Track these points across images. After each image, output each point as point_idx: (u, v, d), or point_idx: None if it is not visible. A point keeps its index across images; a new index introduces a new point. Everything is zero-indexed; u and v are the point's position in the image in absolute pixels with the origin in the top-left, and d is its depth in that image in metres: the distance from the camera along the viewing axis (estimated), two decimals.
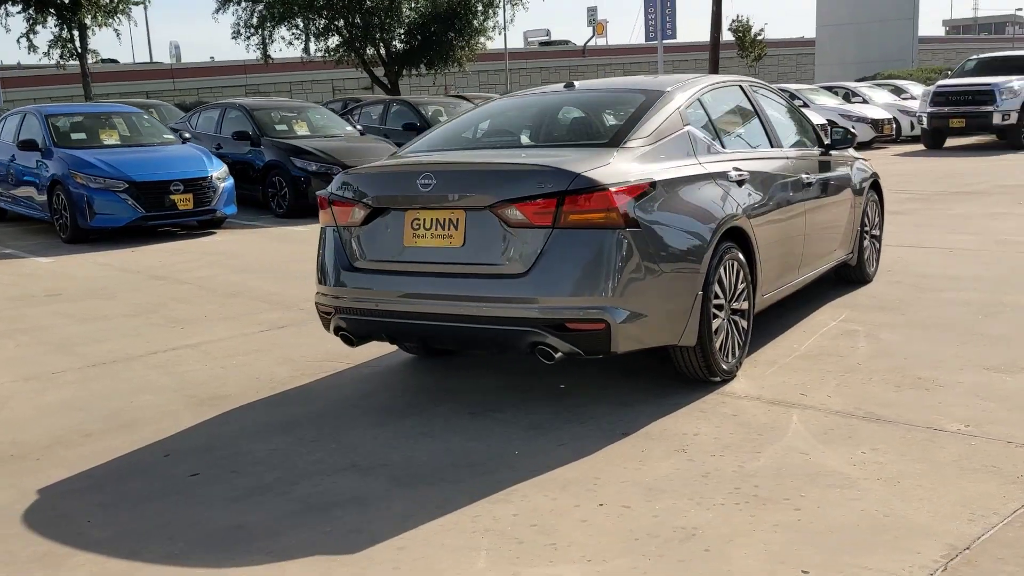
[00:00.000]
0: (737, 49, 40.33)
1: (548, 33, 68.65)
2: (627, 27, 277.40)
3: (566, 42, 63.14)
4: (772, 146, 5.43)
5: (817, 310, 6.05)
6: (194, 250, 10.11)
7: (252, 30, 26.91)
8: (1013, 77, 19.60)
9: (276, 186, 12.61)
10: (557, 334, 3.90)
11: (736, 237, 4.57)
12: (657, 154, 4.33)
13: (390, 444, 4.04)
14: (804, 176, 5.50)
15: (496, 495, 3.39)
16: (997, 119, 19.09)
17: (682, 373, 4.51)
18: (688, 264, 4.21)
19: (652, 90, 4.83)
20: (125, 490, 3.70)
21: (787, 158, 5.45)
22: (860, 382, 4.51)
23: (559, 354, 3.96)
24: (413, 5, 27.18)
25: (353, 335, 4.49)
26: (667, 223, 4.14)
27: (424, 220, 4.18)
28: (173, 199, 10.66)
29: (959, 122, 19.62)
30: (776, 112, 5.73)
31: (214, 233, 11.39)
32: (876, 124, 22.13)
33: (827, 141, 6.08)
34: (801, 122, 6.07)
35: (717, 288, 4.39)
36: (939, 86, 20.26)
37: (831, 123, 18.50)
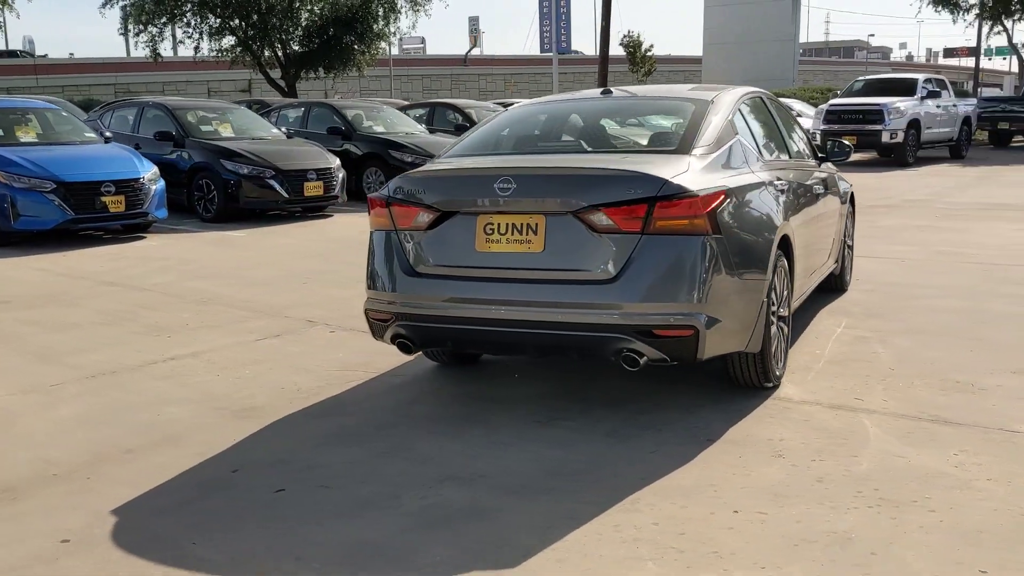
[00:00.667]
0: (628, 64, 41.20)
1: (423, 41, 68.74)
2: (518, 38, 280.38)
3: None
4: (790, 157, 5.55)
5: (815, 317, 6.21)
6: (132, 255, 9.61)
7: (142, 26, 25.79)
8: (898, 98, 20.73)
9: (204, 189, 12.13)
10: (645, 340, 3.87)
11: (781, 245, 4.65)
12: (719, 162, 4.36)
13: (470, 454, 3.93)
14: (816, 186, 5.65)
15: (621, 504, 3.33)
16: (886, 137, 20.12)
17: (735, 379, 4.54)
18: (757, 271, 4.26)
19: (699, 99, 4.86)
20: (211, 507, 3.47)
21: (803, 168, 5.60)
22: (904, 387, 4.64)
23: (644, 360, 3.93)
24: (312, 7, 26.63)
25: (414, 343, 4.34)
26: (740, 230, 4.18)
27: (499, 225, 4.09)
28: (104, 201, 10.11)
29: (851, 139, 20.59)
30: (784, 124, 5.87)
31: (144, 237, 10.86)
32: None
33: (820, 154, 6.27)
34: (801, 134, 6.24)
35: (773, 295, 4.45)
36: (831, 105, 21.25)
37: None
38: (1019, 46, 31.84)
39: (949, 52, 78.58)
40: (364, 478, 3.70)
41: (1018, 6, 30.24)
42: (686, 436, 4.02)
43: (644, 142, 4.85)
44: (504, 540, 3.09)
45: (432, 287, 4.21)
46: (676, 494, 3.41)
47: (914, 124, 20.46)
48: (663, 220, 3.87)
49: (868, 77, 23.00)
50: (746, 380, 4.52)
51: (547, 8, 45.17)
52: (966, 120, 22.86)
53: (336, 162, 12.81)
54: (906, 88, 21.62)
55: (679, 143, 4.43)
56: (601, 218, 3.90)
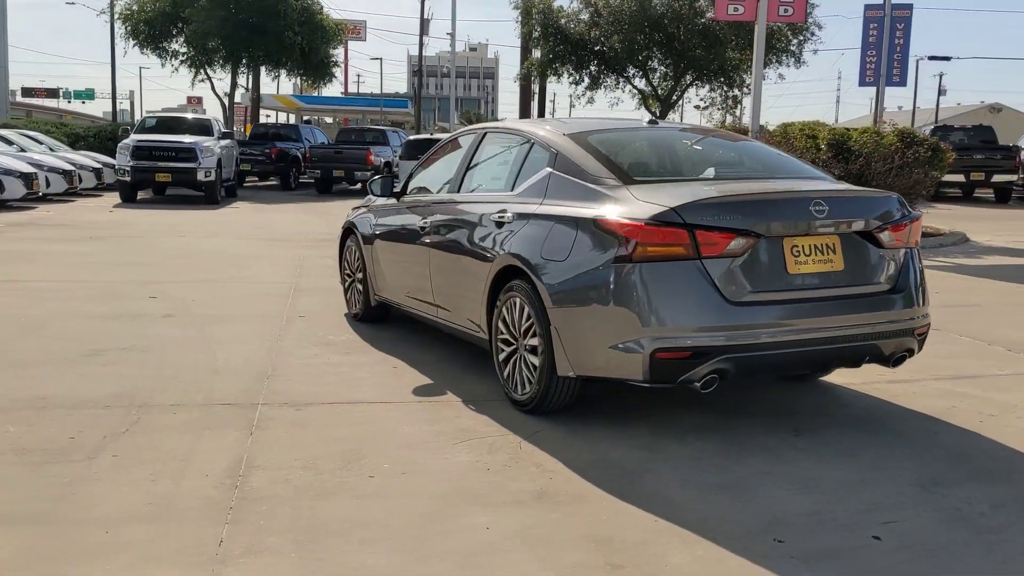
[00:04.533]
0: None
1: None
2: None
3: None
4: None
5: None
6: None
7: None
8: (203, 137, 21.26)
9: None
10: (916, 340, 4.66)
11: None
12: None
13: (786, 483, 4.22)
14: None
15: None
16: (201, 175, 20.49)
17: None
18: None
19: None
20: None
21: None
22: None
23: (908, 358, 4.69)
24: None
25: (731, 375, 4.27)
26: None
27: (803, 246, 4.40)
28: None
29: (166, 176, 20.47)
30: None
31: None
32: (27, 178, 18.67)
33: None
34: None
35: None
36: (139, 141, 20.66)
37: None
38: (224, 94, 34.53)
39: (27, 91, 75.19)
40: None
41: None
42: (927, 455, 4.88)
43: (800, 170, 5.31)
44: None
45: (754, 315, 4.26)
46: None
47: (218, 163, 21.20)
48: (913, 236, 4.70)
49: (161, 115, 22.76)
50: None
51: None
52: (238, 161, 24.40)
53: None
54: (202, 128, 22.26)
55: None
56: (887, 236, 4.56)
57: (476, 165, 5.92)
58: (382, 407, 5.08)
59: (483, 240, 5.33)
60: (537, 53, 31.71)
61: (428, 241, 5.98)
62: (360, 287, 7.31)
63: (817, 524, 3.56)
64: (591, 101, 33.69)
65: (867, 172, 13.05)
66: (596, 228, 4.45)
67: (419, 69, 51.00)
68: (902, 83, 30.58)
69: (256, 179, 28.62)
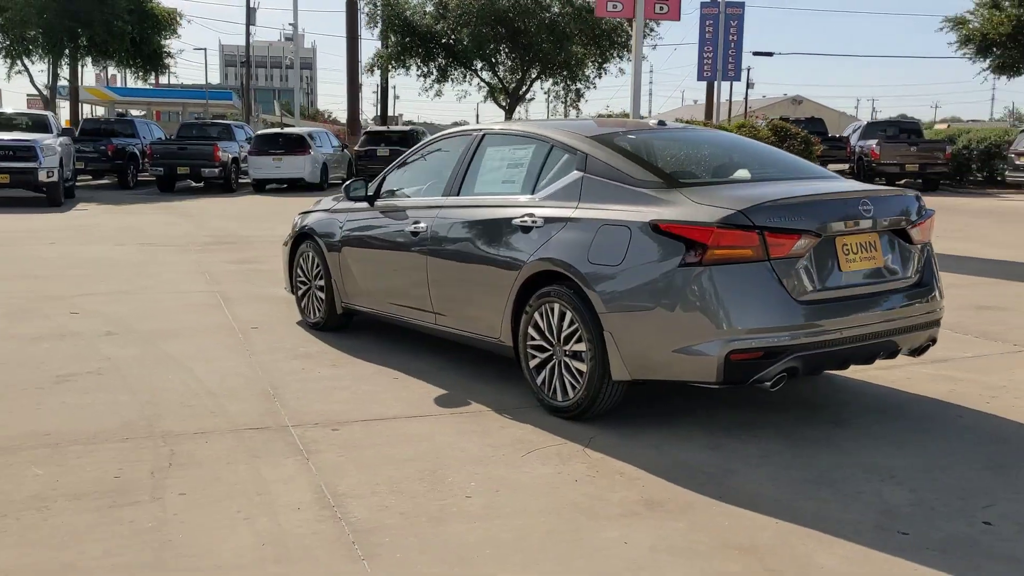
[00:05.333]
0: None
1: None
2: None
3: None
4: None
5: None
6: None
7: None
8: (40, 134, 19.80)
9: None
10: (937, 328, 4.96)
11: None
12: None
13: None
14: None
15: None
16: (42, 176, 19.10)
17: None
18: None
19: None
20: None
21: None
22: None
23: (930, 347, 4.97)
24: None
25: (801, 373, 4.41)
26: None
27: (852, 244, 4.59)
28: None
29: (4, 177, 18.94)
30: None
31: None
32: None
33: None
34: None
35: None
36: None
37: None
38: (44, 87, 32.21)
39: None
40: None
41: None
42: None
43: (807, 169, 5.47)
44: None
45: (817, 313, 4.40)
46: None
47: (60, 162, 19.81)
48: (930, 232, 4.98)
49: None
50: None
51: None
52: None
53: None
54: (39, 124, 20.72)
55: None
56: (916, 232, 4.81)
57: (477, 168, 5.80)
58: (419, 422, 4.92)
59: (503, 246, 5.24)
60: (379, 45, 31.29)
61: (425, 247, 5.82)
62: (322, 295, 7.03)
63: (925, 513, 3.72)
64: (439, 94, 33.71)
65: None
66: (655, 232, 4.46)
67: (247, 60, 49.34)
68: (736, 78, 32.27)
69: (90, 178, 26.88)
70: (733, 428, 4.77)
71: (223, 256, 11.53)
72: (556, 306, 4.87)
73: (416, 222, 5.95)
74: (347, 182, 6.68)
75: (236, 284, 9.34)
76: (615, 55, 31.88)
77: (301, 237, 7.34)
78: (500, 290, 5.23)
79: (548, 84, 33.37)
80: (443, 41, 30.89)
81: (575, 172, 5.06)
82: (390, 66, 31.32)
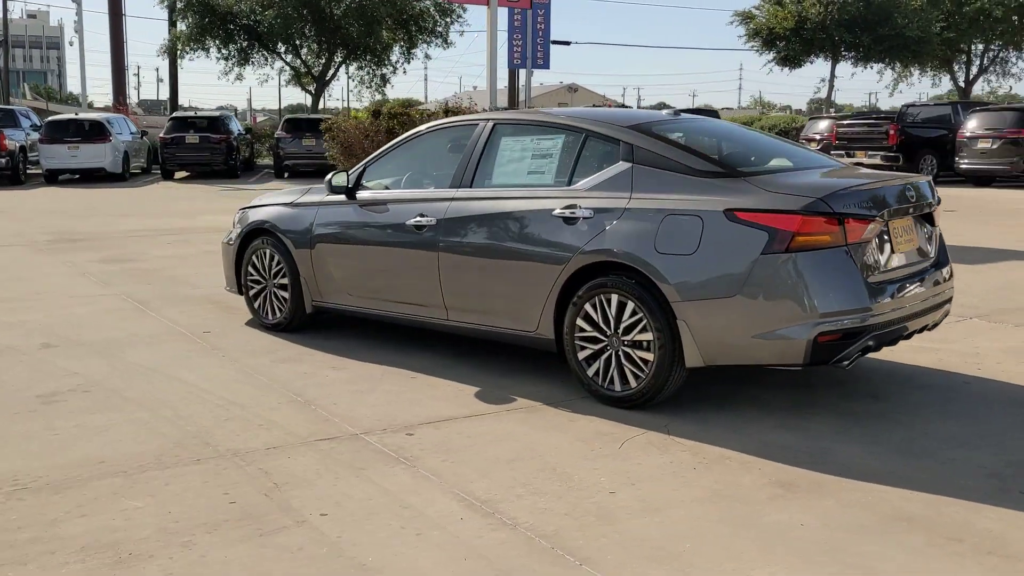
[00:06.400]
0: None
1: None
2: None
3: None
4: None
5: None
6: None
7: None
8: None
9: None
10: (950, 305, 5.40)
11: None
12: None
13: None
14: None
15: None
16: None
17: None
18: None
19: None
20: None
21: None
22: None
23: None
24: None
25: (871, 351, 4.67)
26: None
27: (899, 228, 4.91)
28: None
29: None
30: None
31: None
32: None
33: None
34: None
35: None
36: None
37: None
38: None
39: None
40: None
41: None
42: None
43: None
44: None
45: (883, 294, 4.68)
46: None
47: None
48: (940, 216, 5.41)
49: None
50: None
51: None
52: None
53: None
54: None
55: None
56: (937, 213, 5.21)
57: (491, 159, 5.68)
58: (483, 421, 4.79)
59: (540, 239, 5.18)
60: (183, 26, 29.57)
61: (435, 242, 5.64)
62: (285, 294, 6.66)
63: None
64: (240, 78, 32.24)
65: None
66: (732, 220, 4.57)
67: (4, 39, 45.09)
68: (546, 66, 32.90)
69: None
70: (786, 408, 4.97)
71: (89, 256, 10.61)
72: (614, 297, 4.88)
73: (420, 216, 5.75)
74: (330, 174, 6.33)
75: (135, 286, 8.64)
76: (422, 40, 31.73)
77: (253, 234, 6.90)
78: (539, 283, 5.18)
79: (352, 68, 32.78)
80: (244, 22, 29.59)
81: (622, 163, 5.07)
82: (188, 48, 29.61)
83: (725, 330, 4.61)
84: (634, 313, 4.82)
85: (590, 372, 5.06)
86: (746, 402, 5.07)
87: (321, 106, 33.07)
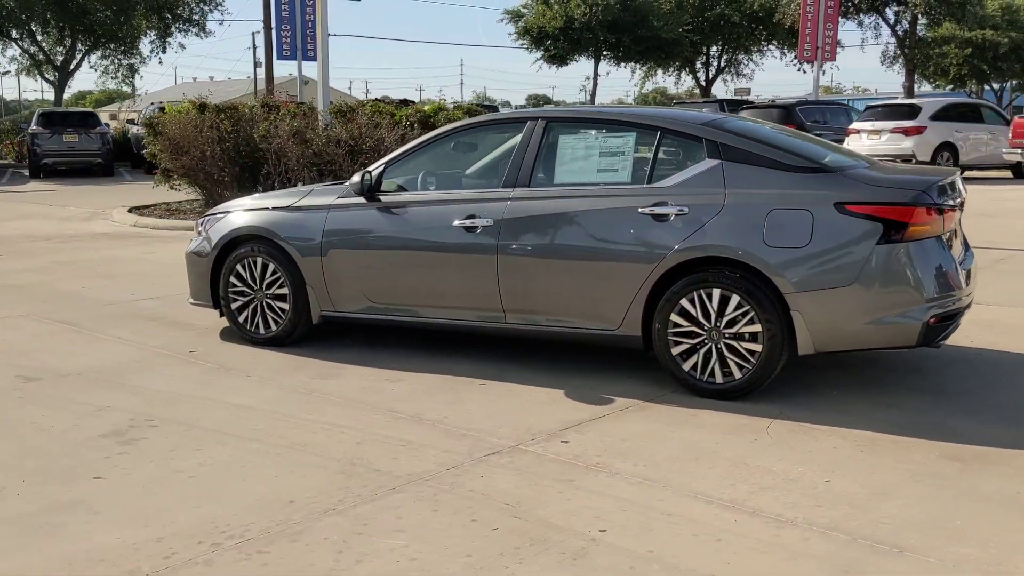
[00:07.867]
0: None
1: None
2: None
3: None
4: None
5: None
6: None
7: None
8: None
9: None
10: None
11: None
12: None
13: None
14: None
15: None
16: None
17: None
18: None
19: None
20: None
21: None
22: None
23: None
24: None
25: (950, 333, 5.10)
26: None
27: (955, 219, 5.40)
28: None
29: None
30: None
31: None
32: None
33: None
34: None
35: None
36: None
37: None
38: None
39: None
40: None
41: None
42: None
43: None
44: None
45: (966, 278, 5.15)
46: None
47: None
48: None
49: None
50: None
51: None
52: None
53: None
54: None
55: None
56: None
57: (551, 157, 5.57)
58: (613, 421, 4.74)
59: (626, 236, 5.17)
60: None
61: (494, 243, 5.47)
62: (283, 305, 6.17)
63: None
64: None
65: None
66: (843, 213, 4.82)
67: None
68: (315, 57, 31.95)
69: None
70: (867, 387, 5.29)
71: (8, 266, 9.25)
72: (716, 291, 4.99)
73: (471, 217, 5.55)
74: (357, 175, 5.91)
75: (33, 306, 7.61)
76: (175, 29, 29.84)
77: (236, 242, 6.31)
78: (625, 281, 5.18)
79: (96, 57, 30.20)
80: None
81: (708, 160, 5.16)
82: None
83: (840, 318, 4.86)
84: (739, 306, 4.95)
85: (686, 367, 5.13)
86: (822, 384, 5.34)
87: (66, 97, 30.21)
